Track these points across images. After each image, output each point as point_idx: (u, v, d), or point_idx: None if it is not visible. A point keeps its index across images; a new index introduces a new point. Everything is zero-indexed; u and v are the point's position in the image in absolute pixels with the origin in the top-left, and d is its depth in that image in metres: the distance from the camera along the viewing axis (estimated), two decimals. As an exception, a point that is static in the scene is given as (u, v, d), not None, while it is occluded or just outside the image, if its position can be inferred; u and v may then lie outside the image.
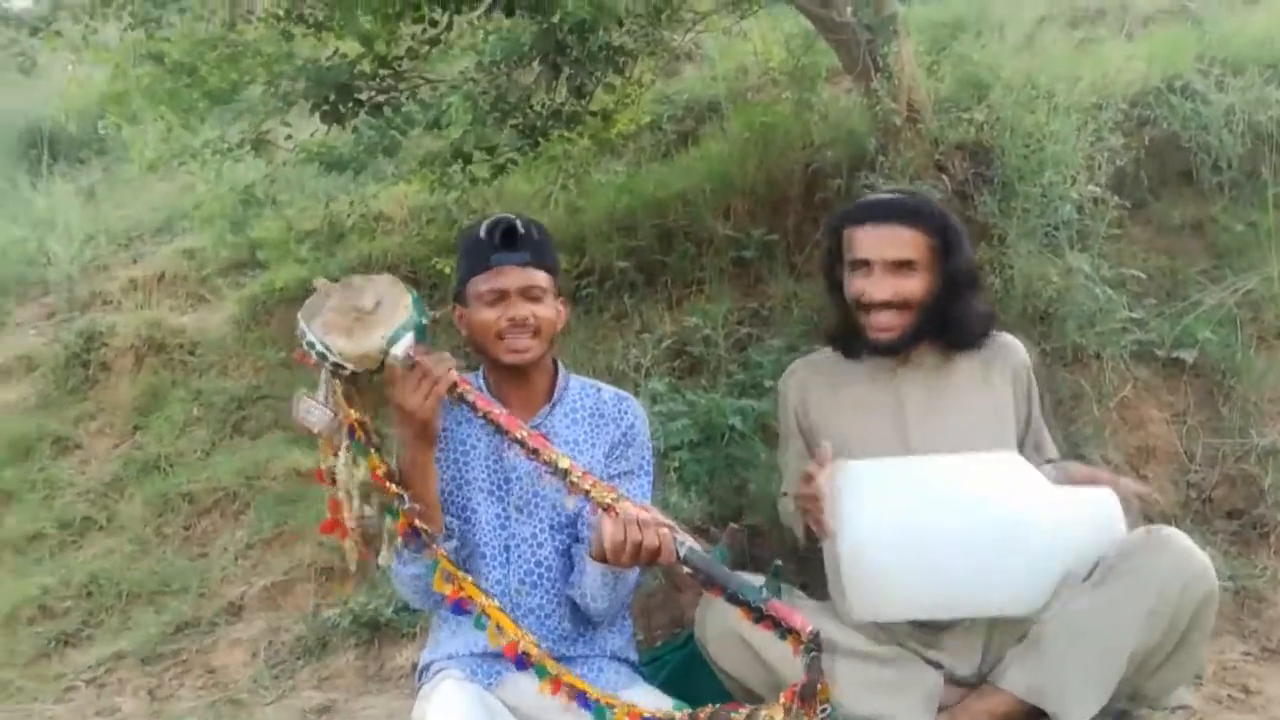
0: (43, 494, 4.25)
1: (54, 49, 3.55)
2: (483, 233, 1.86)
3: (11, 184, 7.01)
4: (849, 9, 3.39)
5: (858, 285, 1.95)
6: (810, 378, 2.12)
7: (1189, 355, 2.87)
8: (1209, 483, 2.65)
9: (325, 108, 3.31)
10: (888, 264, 1.91)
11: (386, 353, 1.65)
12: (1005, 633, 1.84)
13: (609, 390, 2.02)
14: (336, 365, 1.64)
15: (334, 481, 1.71)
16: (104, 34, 3.62)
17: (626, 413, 1.98)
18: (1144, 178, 3.41)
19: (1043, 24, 4.40)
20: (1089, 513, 1.77)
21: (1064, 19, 4.64)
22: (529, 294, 1.86)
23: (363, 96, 3.38)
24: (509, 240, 1.86)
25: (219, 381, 4.57)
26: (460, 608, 1.72)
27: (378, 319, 1.66)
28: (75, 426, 4.64)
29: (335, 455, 1.69)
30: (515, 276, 1.85)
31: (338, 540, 1.74)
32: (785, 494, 2.16)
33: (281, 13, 3.42)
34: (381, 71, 3.40)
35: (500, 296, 1.85)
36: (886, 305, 1.92)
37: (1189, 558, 1.68)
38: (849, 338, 2.06)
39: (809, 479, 1.82)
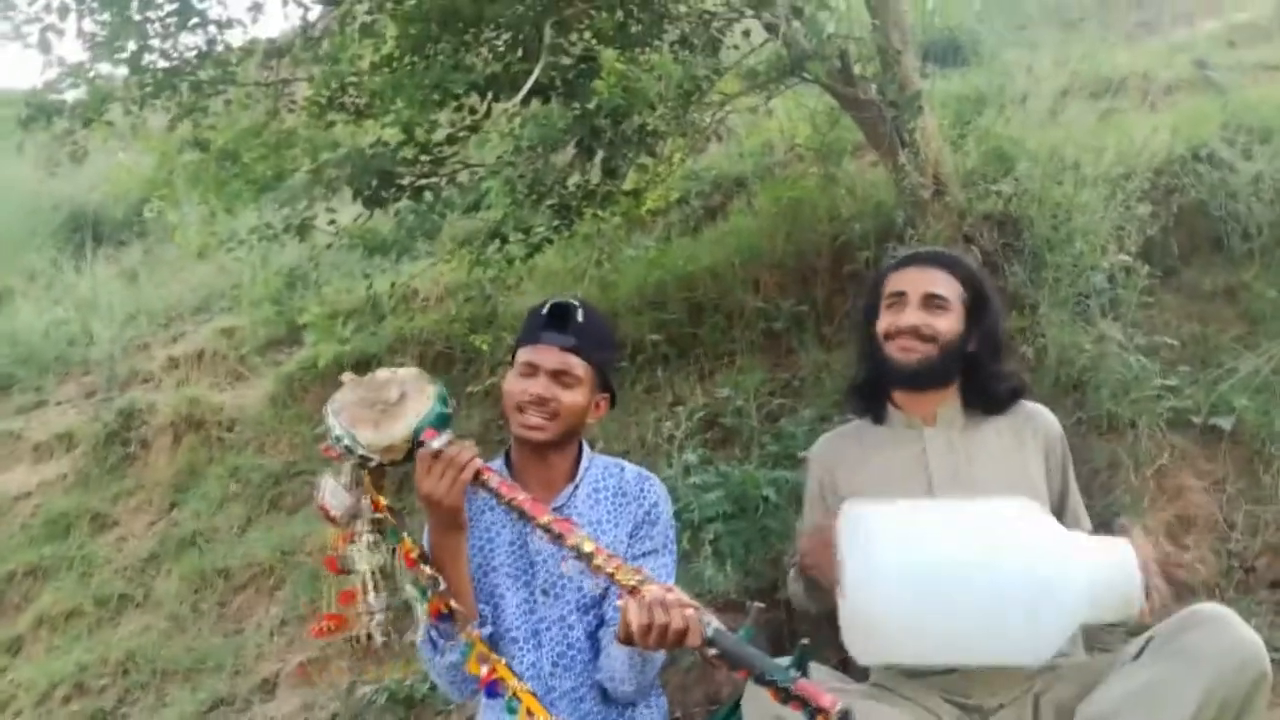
0: (80, 571, 4.30)
1: (105, 139, 3.67)
2: (544, 310, 1.92)
3: (56, 266, 7.22)
4: (873, 86, 3.46)
5: (889, 317, 2.04)
6: (838, 449, 2.15)
7: (1226, 422, 2.85)
8: (1251, 552, 2.61)
9: (367, 193, 3.41)
10: (922, 296, 2.01)
11: (411, 443, 1.69)
12: (1052, 713, 1.81)
13: (631, 469, 2.04)
14: (364, 458, 1.68)
15: (347, 571, 1.72)
16: (151, 122, 3.76)
17: (649, 491, 2.00)
18: (1173, 246, 3.42)
19: (1065, 96, 4.46)
20: (1104, 563, 1.74)
21: (1086, 91, 4.70)
22: (561, 378, 1.89)
23: (404, 182, 3.48)
24: (560, 321, 1.91)
25: (255, 458, 4.63)
26: (493, 690, 1.72)
27: (403, 410, 1.70)
28: (113, 504, 4.71)
29: (349, 543, 1.71)
30: (553, 357, 1.89)
31: (334, 629, 1.74)
32: (792, 563, 2.17)
33: (323, 101, 3.54)
34: (422, 158, 3.50)
35: (532, 371, 1.89)
36: (914, 332, 1.99)
37: (1241, 639, 1.64)
38: (873, 393, 2.12)
39: (820, 529, 1.87)
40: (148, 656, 3.67)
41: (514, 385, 1.91)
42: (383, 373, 1.77)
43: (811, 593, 2.02)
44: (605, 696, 1.92)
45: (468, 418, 3.99)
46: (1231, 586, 2.54)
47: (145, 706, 3.48)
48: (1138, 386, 2.88)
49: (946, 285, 2.01)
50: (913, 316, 1.99)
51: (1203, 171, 3.54)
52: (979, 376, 2.02)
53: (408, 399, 1.71)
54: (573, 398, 1.90)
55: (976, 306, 2.02)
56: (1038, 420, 2.06)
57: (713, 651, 1.56)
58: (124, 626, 3.93)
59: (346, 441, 1.67)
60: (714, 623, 1.57)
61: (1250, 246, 3.40)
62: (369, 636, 1.71)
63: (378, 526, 1.71)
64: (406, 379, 1.75)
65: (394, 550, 1.74)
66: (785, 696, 1.51)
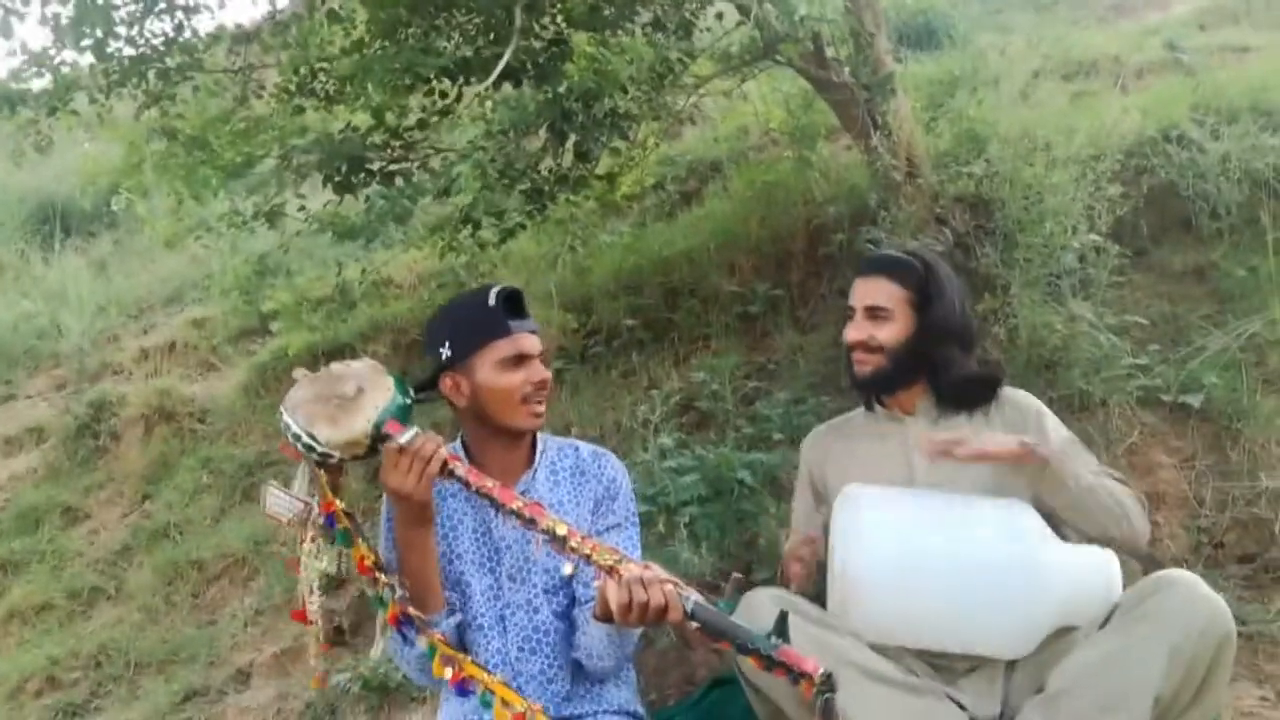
0: (52, 564, 4.26)
1: (70, 128, 3.62)
2: (492, 300, 1.88)
3: (24, 259, 7.13)
4: (846, 70, 3.46)
5: (846, 330, 2.12)
6: (828, 444, 2.20)
7: (1195, 400, 2.87)
8: (1219, 527, 2.64)
9: (337, 179, 3.37)
10: (865, 310, 2.07)
11: (372, 437, 1.65)
12: (1024, 678, 1.83)
13: (586, 447, 2.04)
14: (324, 455, 1.64)
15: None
16: (117, 111, 3.70)
17: (606, 468, 2.00)
18: (1144, 226, 3.45)
19: (1037, 79, 4.48)
20: (1089, 567, 1.79)
21: (1058, 73, 4.73)
22: (544, 358, 1.92)
23: (374, 167, 3.44)
24: (519, 307, 1.90)
25: (228, 449, 4.60)
26: (463, 688, 1.70)
27: (361, 404, 1.66)
28: (85, 496, 4.67)
29: (302, 545, 1.68)
30: (533, 342, 1.90)
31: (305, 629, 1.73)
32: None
33: (292, 87, 3.50)
34: (392, 143, 3.46)
35: (523, 361, 1.87)
36: (861, 345, 2.07)
37: (1205, 600, 1.67)
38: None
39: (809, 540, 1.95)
40: (120, 649, 3.63)
41: (506, 380, 1.86)
42: (337, 366, 1.73)
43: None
44: (575, 675, 1.92)
45: (439, 405, 3.96)
46: (1200, 562, 2.56)
47: (118, 699, 3.45)
48: (1109, 365, 2.90)
49: (886, 293, 2.06)
50: (858, 331, 2.07)
51: (1172, 152, 3.57)
52: (931, 362, 2.05)
53: (365, 392, 1.67)
54: (548, 373, 1.93)
55: (923, 303, 2.06)
56: (1009, 406, 2.08)
57: (694, 625, 1.56)
58: (96, 619, 3.90)
59: (305, 440, 1.63)
60: (694, 596, 1.57)
61: (1219, 226, 3.43)
62: (315, 638, 1.70)
63: (324, 531, 1.67)
64: (362, 371, 1.71)
65: (341, 554, 1.70)
66: (769, 664, 1.52)
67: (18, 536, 4.45)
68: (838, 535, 1.86)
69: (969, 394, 2.07)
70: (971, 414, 2.07)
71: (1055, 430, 2.04)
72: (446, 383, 1.90)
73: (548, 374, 1.90)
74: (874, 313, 2.06)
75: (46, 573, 4.18)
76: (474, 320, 1.90)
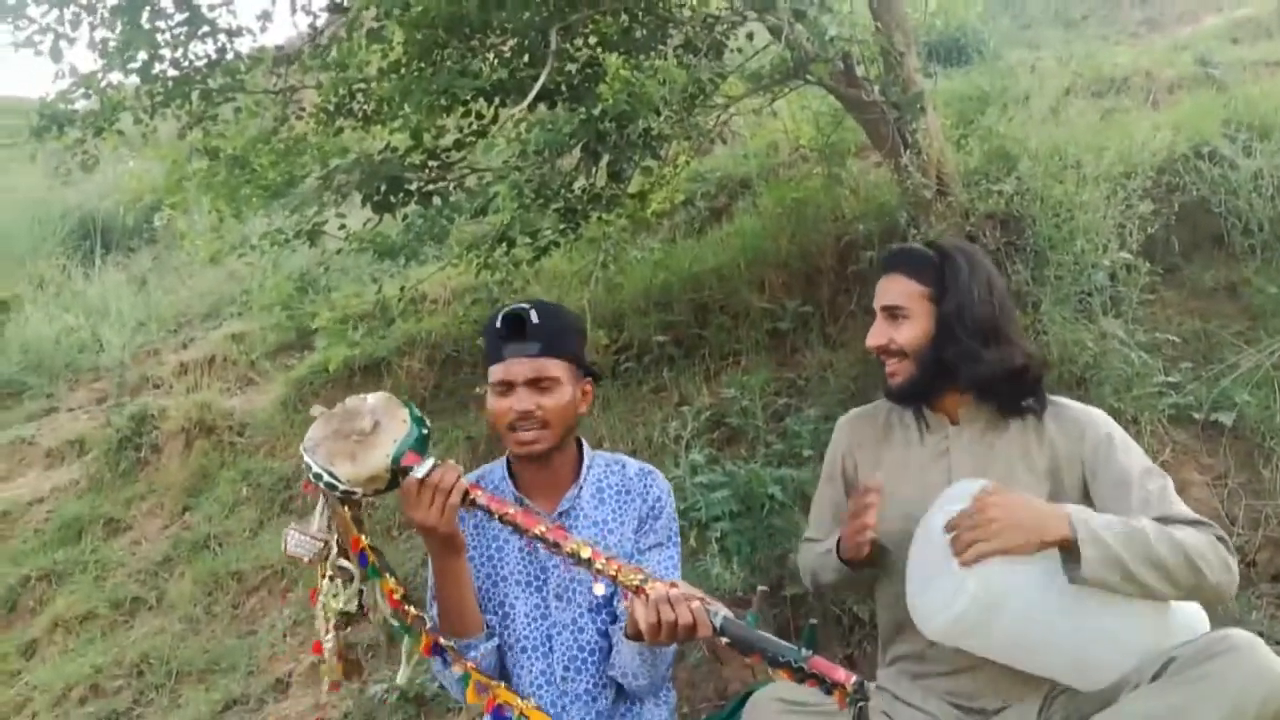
0: (94, 575, 4.35)
1: (115, 148, 3.72)
2: (497, 323, 1.88)
3: (65, 274, 7.29)
4: (876, 88, 3.49)
5: (869, 335, 2.00)
6: (864, 428, 2.09)
7: (1227, 418, 2.87)
8: (1252, 546, 2.63)
9: (376, 199, 3.45)
10: (883, 310, 1.96)
11: (392, 471, 1.67)
12: (1061, 717, 1.78)
13: (633, 464, 2.03)
14: (347, 492, 1.66)
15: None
16: (161, 130, 3.80)
17: (652, 486, 2.00)
18: (1175, 243, 3.44)
19: (1068, 95, 4.49)
20: (1181, 626, 1.74)
21: (1088, 90, 4.73)
22: (538, 385, 1.87)
23: (412, 187, 3.52)
24: (518, 331, 1.87)
25: (266, 462, 4.68)
26: (499, 715, 1.72)
27: (379, 439, 1.67)
28: (126, 508, 4.76)
29: (324, 579, 1.70)
30: (523, 368, 1.86)
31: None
32: (807, 539, 2.14)
33: (332, 108, 3.59)
34: (430, 163, 3.54)
35: (509, 389, 1.86)
36: (884, 350, 1.95)
37: (1268, 669, 1.56)
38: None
39: (860, 502, 1.84)
40: (162, 658, 3.71)
41: (496, 406, 1.88)
42: (352, 401, 1.74)
43: (838, 571, 1.96)
44: (619, 694, 1.94)
45: (477, 420, 4.03)
46: (1234, 580, 2.56)
47: (160, 707, 3.52)
48: (1140, 383, 2.90)
49: (901, 291, 1.94)
50: (876, 335, 1.96)
51: (1204, 169, 3.57)
52: (946, 358, 1.91)
53: (381, 426, 1.68)
54: (556, 400, 1.88)
55: (940, 297, 1.92)
56: (1066, 426, 1.93)
57: (724, 640, 1.58)
58: (138, 629, 3.97)
59: (326, 478, 1.65)
60: (722, 611, 1.59)
61: (1251, 243, 3.43)
62: (329, 682, 1.72)
63: (344, 572, 1.69)
64: (377, 406, 1.72)
65: (362, 592, 1.71)
66: (801, 675, 1.54)
67: (61, 547, 4.55)
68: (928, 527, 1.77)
69: (1006, 395, 1.92)
70: (1022, 423, 1.93)
71: (1125, 458, 1.85)
72: (486, 398, 1.95)
73: (529, 405, 1.85)
74: (892, 312, 1.94)
75: (89, 583, 4.27)
76: (487, 340, 1.94)
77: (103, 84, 3.53)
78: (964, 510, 1.70)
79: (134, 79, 3.55)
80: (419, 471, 1.67)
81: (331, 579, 1.69)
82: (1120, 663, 1.68)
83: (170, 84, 3.58)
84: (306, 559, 1.70)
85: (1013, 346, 1.93)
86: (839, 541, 1.94)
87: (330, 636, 1.70)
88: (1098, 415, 1.94)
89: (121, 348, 5.99)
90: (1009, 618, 1.67)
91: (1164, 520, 1.72)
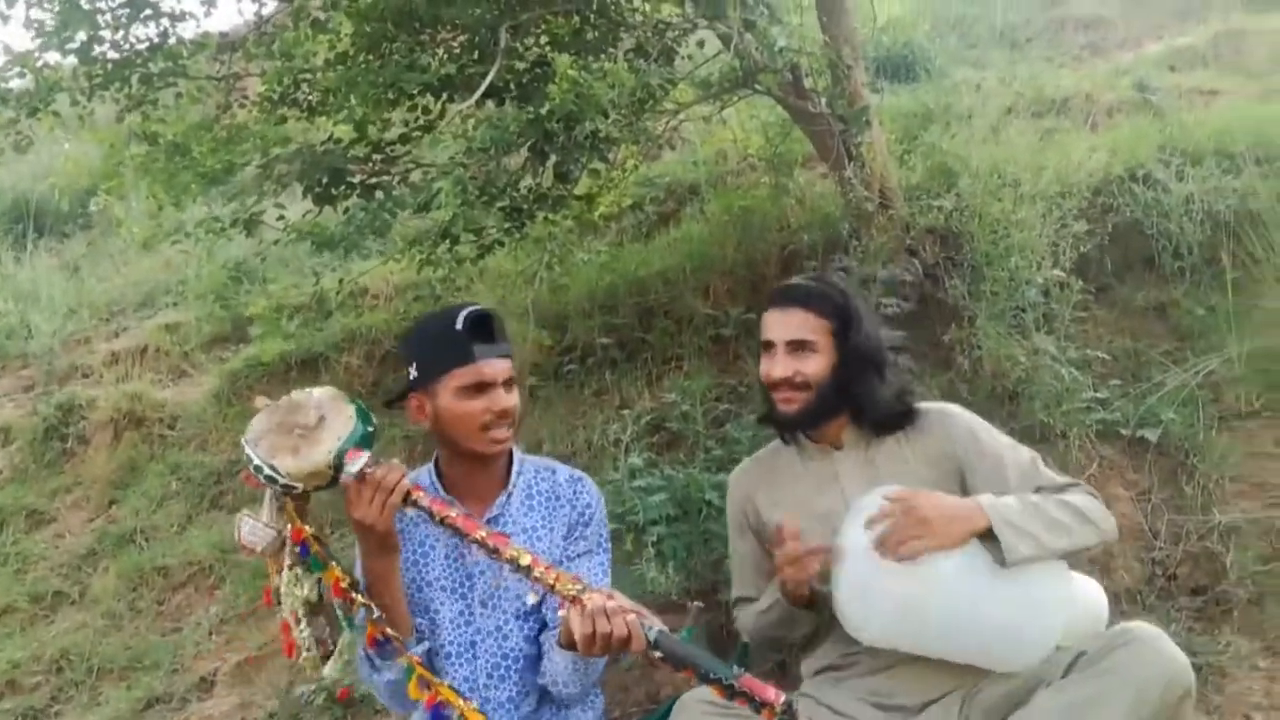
0: (14, 567, 4.22)
1: (51, 129, 3.62)
2: (459, 324, 1.84)
3: (-4, 257, 7.07)
4: (823, 100, 3.53)
5: (764, 365, 2.03)
6: (756, 476, 2.16)
7: (1153, 434, 2.95)
8: (1173, 560, 2.70)
9: (318, 190, 3.40)
10: (787, 344, 1.99)
11: (334, 467, 1.65)
12: (976, 715, 1.82)
13: (564, 471, 2.03)
14: (287, 486, 1.64)
15: (280, 602, 1.70)
16: (99, 113, 3.71)
17: (582, 493, 1.99)
18: (1108, 263, 3.53)
19: (1009, 115, 4.58)
20: (1084, 593, 1.86)
21: (1029, 110, 4.82)
22: (509, 385, 1.89)
23: (354, 179, 3.47)
24: (488, 332, 1.87)
25: (197, 455, 4.58)
26: (438, 713, 1.71)
27: (322, 434, 1.66)
28: (51, 499, 4.63)
29: (279, 574, 1.69)
30: (499, 368, 1.86)
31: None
32: (738, 600, 2.16)
33: (275, 97, 3.53)
34: (374, 156, 3.50)
35: (485, 387, 1.85)
36: (788, 383, 1.98)
37: (1169, 657, 1.67)
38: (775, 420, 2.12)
39: (791, 548, 1.86)
40: (82, 654, 3.61)
41: (466, 407, 1.84)
42: (298, 395, 1.73)
43: (788, 620, 1.99)
44: (541, 700, 1.93)
45: (391, 426, 3.96)
46: (1154, 593, 2.63)
47: (79, 705, 3.42)
48: (1069, 398, 2.97)
49: (809, 325, 1.99)
50: (782, 367, 1.98)
51: (1138, 191, 3.66)
52: (854, 392, 2.01)
53: (326, 421, 1.67)
54: (517, 400, 1.91)
55: (844, 332, 2.01)
56: (934, 426, 2.04)
57: (657, 654, 1.58)
58: (59, 624, 3.87)
59: (267, 471, 1.63)
60: (656, 625, 1.59)
61: (1181, 265, 3.52)
62: (310, 669, 1.71)
63: (299, 559, 1.68)
64: (323, 400, 1.71)
65: (320, 580, 1.71)
66: (730, 693, 1.54)
67: (-20, 538, 4.41)
68: (843, 537, 1.83)
69: (892, 420, 2.04)
70: (896, 436, 2.04)
71: (991, 441, 2.00)
72: (413, 403, 1.90)
73: (511, 402, 1.87)
74: (798, 346, 1.99)
75: (9, 576, 4.14)
76: (440, 343, 1.88)
77: (39, 64, 3.43)
78: (883, 510, 1.79)
79: (72, 59, 3.46)
80: (354, 467, 1.66)
81: (292, 568, 1.68)
82: (1045, 626, 1.78)
83: (109, 66, 3.49)
84: (260, 549, 1.68)
85: (896, 374, 2.11)
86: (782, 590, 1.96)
87: (304, 626, 1.69)
88: (952, 410, 2.08)
89: (51, 335, 5.82)
90: (944, 607, 1.76)
91: (1044, 489, 1.90)
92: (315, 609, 1.68)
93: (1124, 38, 6.72)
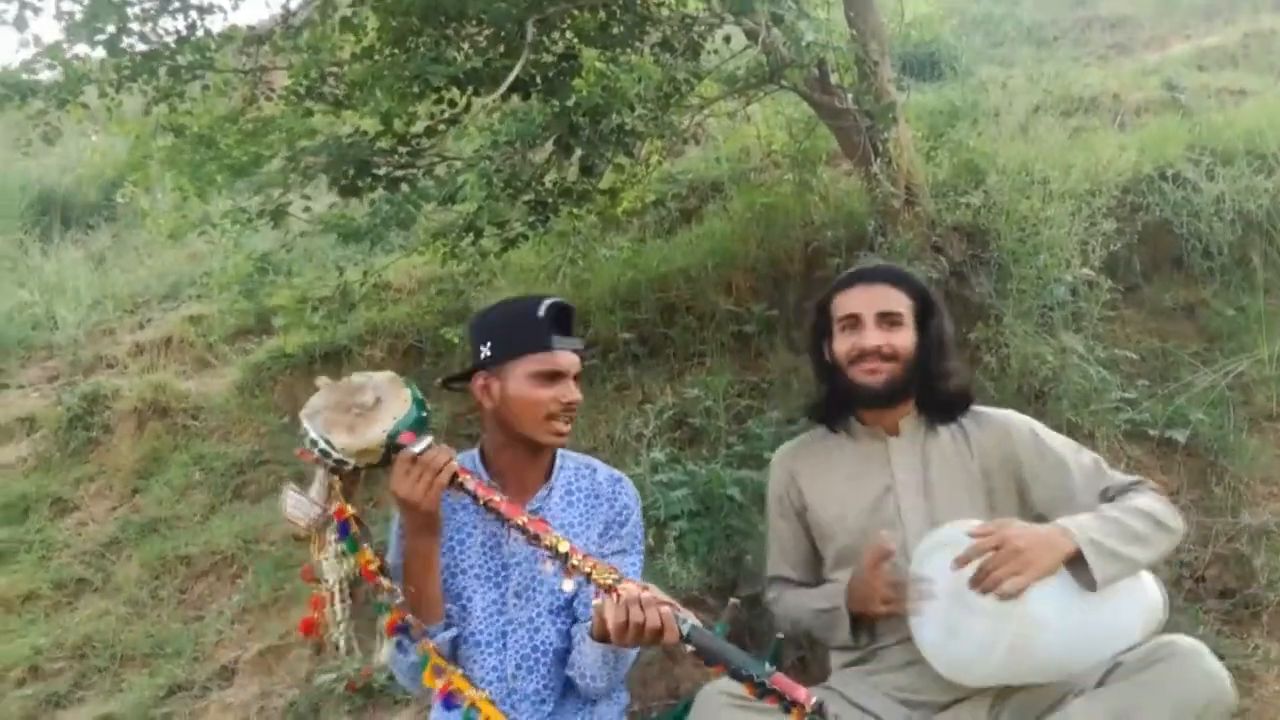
0: (39, 554, 4.24)
1: (78, 120, 3.64)
2: (541, 312, 1.89)
3: (22, 249, 7.12)
4: (850, 96, 3.51)
5: (849, 340, 2.02)
6: (801, 456, 2.15)
7: (1181, 435, 2.92)
8: (1201, 562, 2.67)
9: (343, 182, 3.40)
10: (878, 316, 2.01)
11: (387, 447, 1.69)
12: (1006, 718, 1.82)
13: (604, 470, 2.04)
14: (339, 462, 1.68)
15: (319, 580, 1.72)
16: (126, 105, 3.73)
17: (621, 494, 2.01)
18: (1136, 262, 3.50)
19: (1037, 113, 4.53)
20: (1150, 591, 1.83)
21: (1057, 109, 4.77)
22: (578, 380, 1.93)
23: (380, 172, 3.48)
24: (566, 324, 1.92)
25: (220, 446, 4.60)
26: (450, 701, 1.73)
27: (378, 414, 1.70)
28: (75, 488, 4.66)
29: (321, 551, 1.71)
30: (573, 361, 1.91)
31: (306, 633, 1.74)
32: (774, 580, 2.17)
33: (302, 91, 3.54)
34: (399, 148, 3.50)
35: (556, 378, 1.88)
36: (877, 353, 1.99)
37: (1209, 674, 1.64)
38: (835, 411, 2.12)
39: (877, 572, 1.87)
40: (105, 641, 3.62)
41: (535, 394, 1.87)
42: (358, 376, 1.77)
43: (840, 626, 1.98)
44: (567, 695, 1.93)
45: (436, 410, 3.98)
46: (1181, 595, 2.59)
47: (101, 691, 3.44)
48: (1098, 398, 2.95)
49: (898, 300, 2.03)
50: (874, 338, 1.99)
51: (1167, 190, 3.63)
52: (929, 381, 2.03)
53: (383, 403, 1.72)
54: (580, 395, 1.94)
55: (925, 315, 2.04)
56: (988, 426, 2.05)
57: (689, 648, 1.58)
58: (81, 610, 3.88)
59: (322, 446, 1.67)
60: (690, 619, 1.59)
61: (1210, 265, 3.49)
62: (336, 646, 1.71)
63: (342, 535, 1.71)
64: (381, 383, 1.75)
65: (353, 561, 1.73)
66: (761, 691, 1.54)
67: (5, 526, 4.44)
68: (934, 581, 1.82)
69: (947, 402, 2.05)
70: (951, 430, 2.05)
71: (1054, 444, 2.00)
72: (479, 382, 1.93)
73: (578, 396, 1.91)
74: (888, 319, 2.01)
75: (33, 563, 4.17)
76: (519, 326, 1.91)
77: (68, 55, 3.46)
78: (976, 547, 1.73)
79: (100, 52, 3.48)
80: (416, 447, 1.70)
81: (337, 542, 1.71)
82: (1128, 633, 1.76)
83: (138, 58, 3.51)
84: (303, 523, 1.70)
85: (962, 367, 2.11)
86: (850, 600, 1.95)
87: (339, 606, 1.70)
88: (1014, 415, 2.08)
89: (76, 326, 5.87)
90: (1049, 642, 1.71)
91: (1110, 491, 1.89)
92: (356, 586, 1.70)
93: (1150, 37, 6.66)
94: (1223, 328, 3.31)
